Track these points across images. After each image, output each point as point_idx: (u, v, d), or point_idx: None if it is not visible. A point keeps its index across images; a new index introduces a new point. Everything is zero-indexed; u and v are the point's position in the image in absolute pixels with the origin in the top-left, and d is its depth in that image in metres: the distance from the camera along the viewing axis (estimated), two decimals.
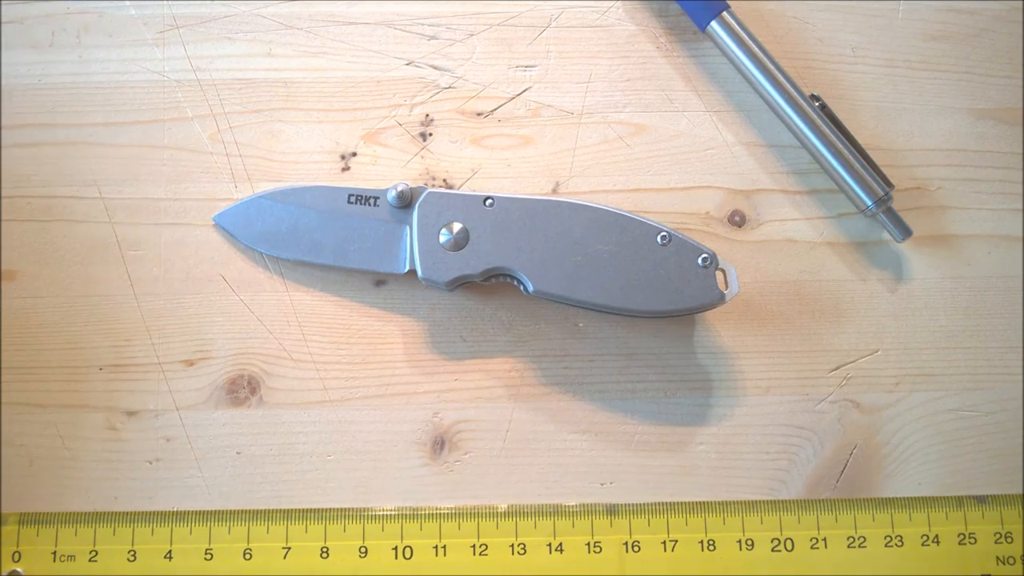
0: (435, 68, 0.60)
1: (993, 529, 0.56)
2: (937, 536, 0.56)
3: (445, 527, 0.56)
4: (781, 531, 0.56)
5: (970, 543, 0.56)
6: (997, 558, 0.56)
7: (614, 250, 0.54)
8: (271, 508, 0.56)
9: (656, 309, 0.54)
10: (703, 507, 0.57)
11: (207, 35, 0.60)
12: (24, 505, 0.56)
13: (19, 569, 0.55)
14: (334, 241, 0.57)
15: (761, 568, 0.56)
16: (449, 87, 0.60)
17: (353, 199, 0.57)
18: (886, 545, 0.56)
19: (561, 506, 0.57)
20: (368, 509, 0.56)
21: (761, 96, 0.59)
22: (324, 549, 0.56)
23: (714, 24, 0.58)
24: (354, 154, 0.59)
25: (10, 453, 0.56)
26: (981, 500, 0.57)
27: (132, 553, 0.55)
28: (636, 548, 0.56)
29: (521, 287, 0.55)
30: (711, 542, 0.56)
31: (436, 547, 0.56)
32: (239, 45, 0.60)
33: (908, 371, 0.58)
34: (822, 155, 0.58)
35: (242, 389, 0.57)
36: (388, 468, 0.57)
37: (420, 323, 0.58)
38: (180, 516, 0.56)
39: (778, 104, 0.58)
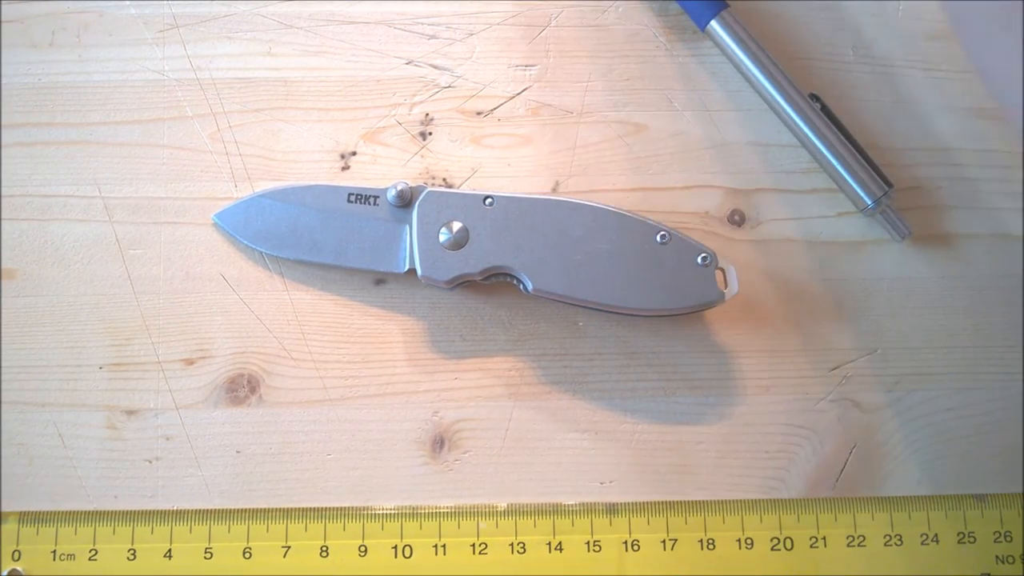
0: (435, 67, 0.60)
1: (993, 528, 0.56)
2: (937, 535, 0.56)
3: (445, 526, 0.56)
4: (781, 530, 0.56)
5: (970, 542, 0.56)
6: (997, 557, 0.56)
7: (614, 249, 0.54)
8: (271, 507, 0.56)
9: (656, 308, 0.54)
10: (703, 506, 0.57)
11: (207, 35, 0.60)
12: (24, 505, 0.56)
13: (19, 568, 0.55)
14: (334, 240, 0.57)
15: (761, 567, 0.56)
16: (449, 86, 0.60)
17: (353, 198, 0.57)
18: (885, 544, 0.56)
19: (560, 505, 0.57)
20: (368, 508, 0.56)
21: (761, 96, 0.59)
22: (324, 548, 0.56)
23: (714, 23, 0.58)
24: (354, 153, 0.59)
25: (10, 453, 0.56)
26: (981, 499, 0.57)
27: (132, 552, 0.55)
28: (636, 547, 0.56)
29: (521, 286, 0.55)
30: (711, 541, 0.56)
31: (436, 546, 0.56)
32: (239, 45, 0.60)
33: (907, 370, 0.58)
34: (822, 155, 0.58)
35: (242, 388, 0.57)
36: (388, 467, 0.57)
37: (420, 322, 0.58)
38: (180, 515, 0.56)
39: (778, 104, 0.58)
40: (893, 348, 0.58)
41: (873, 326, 0.58)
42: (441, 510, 0.56)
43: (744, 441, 0.57)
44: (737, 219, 0.59)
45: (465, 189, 0.59)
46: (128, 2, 0.60)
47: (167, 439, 0.57)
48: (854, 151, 0.58)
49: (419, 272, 0.55)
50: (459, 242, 0.55)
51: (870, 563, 0.56)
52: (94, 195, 0.58)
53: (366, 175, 0.59)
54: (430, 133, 0.59)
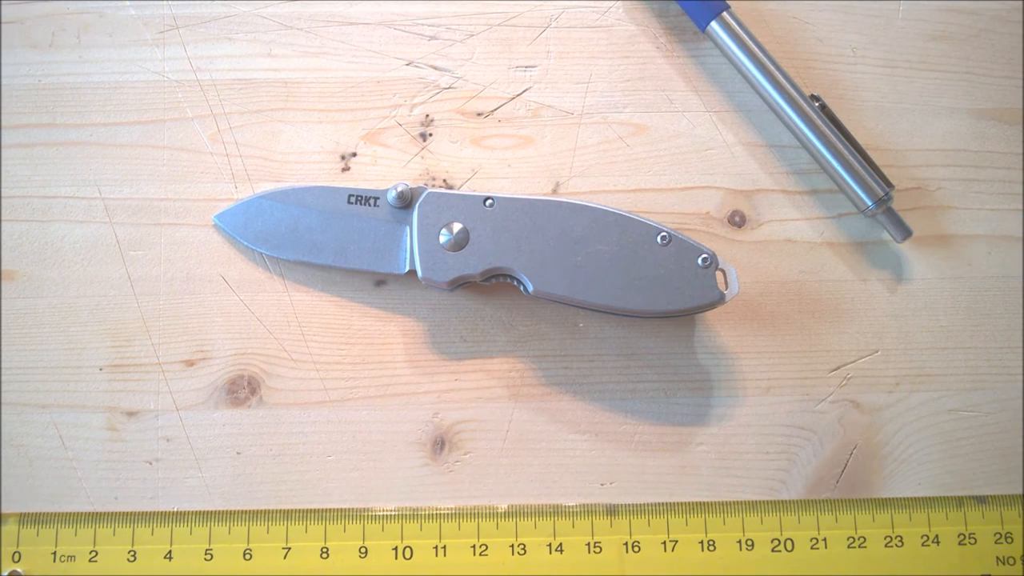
0: (435, 68, 0.60)
1: (993, 529, 0.56)
2: (937, 536, 0.56)
3: (445, 527, 0.56)
4: (781, 531, 0.56)
5: (970, 543, 0.56)
6: (997, 558, 0.56)
7: (614, 250, 0.54)
8: (271, 508, 0.56)
9: (656, 309, 0.54)
10: (703, 507, 0.57)
11: (207, 35, 0.60)
12: (24, 505, 0.56)
13: (19, 569, 0.55)
14: (334, 241, 0.57)
15: (761, 568, 0.56)
16: (449, 87, 0.60)
17: (353, 199, 0.57)
18: (886, 545, 0.56)
19: (561, 506, 0.57)
20: (368, 509, 0.56)
21: (761, 96, 0.59)
22: (324, 549, 0.56)
23: (714, 24, 0.58)
24: (354, 154, 0.59)
25: (10, 453, 0.56)
26: (981, 500, 0.57)
27: (132, 553, 0.55)
28: (636, 548, 0.56)
29: (521, 287, 0.55)
30: (711, 542, 0.56)
31: (436, 547, 0.56)
32: (239, 45, 0.60)
33: (908, 371, 0.58)
34: (822, 155, 0.58)
35: (242, 389, 0.57)
36: (388, 468, 0.57)
37: (420, 323, 0.58)
38: (180, 516, 0.56)
39: (778, 104, 0.58)
40: (894, 349, 0.58)
41: (874, 327, 0.58)
42: (441, 511, 0.56)
43: (744, 442, 0.57)
44: (738, 220, 0.59)
45: (465, 190, 0.59)
46: (128, 3, 0.60)
47: (167, 440, 0.57)
48: (854, 152, 0.57)
49: (419, 273, 0.55)
50: (459, 243, 0.55)
51: (871, 564, 0.56)
52: (94, 196, 0.58)
53: (366, 176, 0.59)
54: (430, 134, 0.59)
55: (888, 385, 0.58)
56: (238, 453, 0.57)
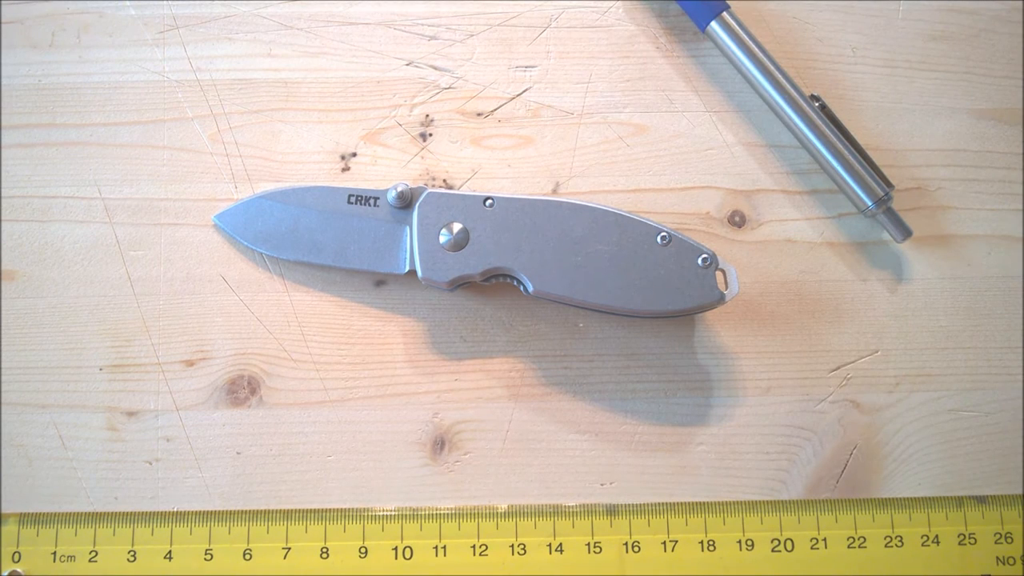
0: (435, 68, 0.60)
1: (993, 529, 0.56)
2: (937, 536, 0.56)
3: (445, 527, 0.56)
4: (781, 531, 0.56)
5: (970, 543, 0.56)
6: (997, 558, 0.56)
7: (614, 250, 0.54)
8: (271, 508, 0.56)
9: (656, 309, 0.54)
10: (703, 507, 0.57)
11: (207, 35, 0.60)
12: (24, 506, 0.56)
13: (19, 569, 0.55)
14: (334, 241, 0.57)
15: (761, 568, 0.56)
16: (449, 87, 0.60)
17: (353, 199, 0.57)
18: (886, 545, 0.56)
19: (561, 506, 0.57)
20: (368, 509, 0.56)
21: (761, 96, 0.59)
22: (324, 549, 0.56)
23: (714, 24, 0.58)
24: (354, 154, 0.59)
25: (10, 453, 0.56)
26: (981, 500, 0.57)
27: (132, 553, 0.55)
28: (636, 548, 0.56)
29: (521, 287, 0.55)
30: (711, 542, 0.56)
31: (436, 547, 0.56)
32: (239, 45, 0.60)
33: (908, 371, 0.58)
34: (822, 155, 0.58)
35: (242, 389, 0.57)
36: (388, 468, 0.57)
37: (420, 323, 0.58)
38: (180, 516, 0.56)
39: (778, 104, 0.58)
40: (894, 349, 0.58)
41: (873, 327, 0.58)
42: (441, 511, 0.56)
43: (744, 442, 0.57)
44: (738, 220, 0.59)
45: (465, 190, 0.59)
46: (128, 3, 0.60)
47: (167, 440, 0.57)
48: (854, 152, 0.58)
49: (419, 273, 0.55)
50: (459, 243, 0.55)
51: (871, 564, 0.56)
52: (94, 196, 0.58)
53: (366, 176, 0.59)
54: (430, 134, 0.59)
55: (888, 385, 0.58)
56: (238, 453, 0.57)
